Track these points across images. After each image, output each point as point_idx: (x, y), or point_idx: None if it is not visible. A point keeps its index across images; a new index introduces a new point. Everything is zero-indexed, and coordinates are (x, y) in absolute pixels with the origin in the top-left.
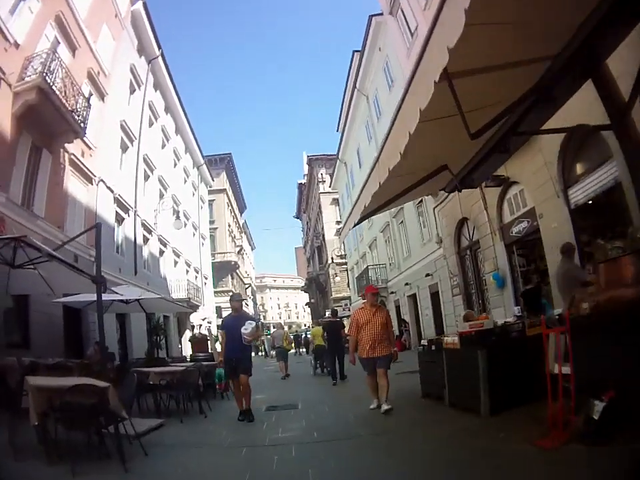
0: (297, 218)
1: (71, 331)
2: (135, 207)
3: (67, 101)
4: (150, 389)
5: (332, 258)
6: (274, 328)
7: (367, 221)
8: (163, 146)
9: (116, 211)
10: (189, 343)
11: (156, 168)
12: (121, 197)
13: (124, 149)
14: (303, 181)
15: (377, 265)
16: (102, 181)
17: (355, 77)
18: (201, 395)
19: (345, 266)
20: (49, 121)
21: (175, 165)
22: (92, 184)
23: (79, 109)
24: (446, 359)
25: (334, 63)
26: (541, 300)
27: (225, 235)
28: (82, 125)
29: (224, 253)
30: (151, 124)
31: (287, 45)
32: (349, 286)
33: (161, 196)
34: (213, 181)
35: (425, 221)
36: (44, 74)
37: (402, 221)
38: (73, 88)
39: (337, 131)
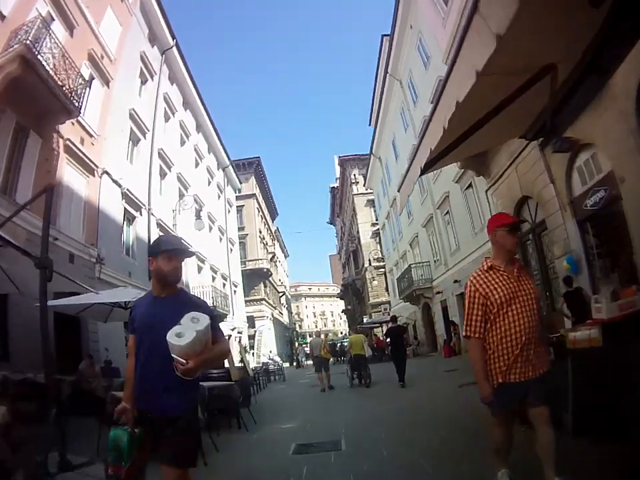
0: (331, 224)
1: (65, 341)
2: (149, 205)
3: (58, 76)
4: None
5: (369, 260)
6: (310, 337)
7: (406, 215)
8: (183, 143)
9: (125, 208)
10: None
11: (174, 165)
12: (130, 192)
13: (135, 141)
14: (336, 185)
15: (419, 263)
16: (106, 172)
17: (385, 63)
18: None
19: (383, 269)
20: (35, 98)
21: (197, 164)
22: (94, 175)
23: (73, 87)
24: (573, 365)
25: (361, 58)
26: (584, 303)
27: (255, 241)
28: (77, 104)
29: (255, 260)
30: (167, 118)
31: (311, 42)
32: (387, 290)
33: (181, 196)
34: (241, 184)
35: (476, 206)
36: (29, 42)
37: (447, 212)
38: (65, 62)
39: (370, 125)
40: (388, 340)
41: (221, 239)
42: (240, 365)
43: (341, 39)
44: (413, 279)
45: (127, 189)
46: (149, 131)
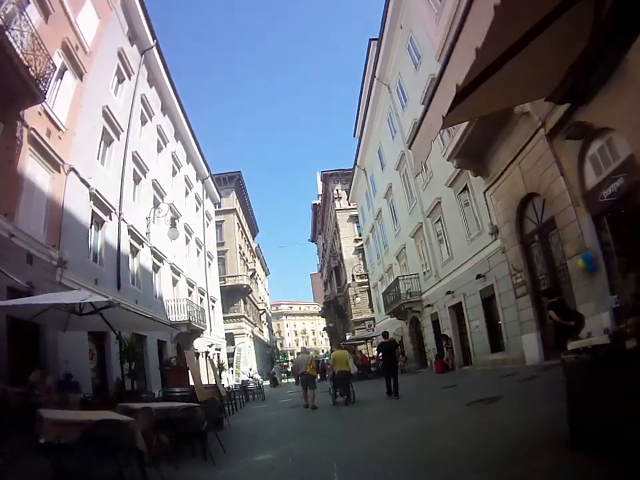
0: (312, 241)
1: (23, 350)
2: (120, 210)
3: (25, 56)
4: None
5: (352, 276)
6: (291, 355)
7: (393, 227)
8: (160, 149)
9: (92, 210)
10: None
11: (149, 170)
12: (99, 194)
13: (107, 141)
14: (317, 202)
15: (407, 276)
16: (73, 170)
17: (373, 67)
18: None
19: (366, 285)
20: None
21: (175, 173)
22: (59, 171)
23: (40, 71)
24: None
25: (346, 72)
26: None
27: (235, 257)
28: (43, 89)
29: (235, 276)
30: (144, 121)
31: (291, 49)
32: (370, 306)
33: (156, 204)
34: (221, 198)
35: (472, 211)
36: None
37: (439, 219)
38: (34, 43)
39: (354, 136)
40: (380, 355)
41: (198, 252)
42: (211, 384)
43: (327, 47)
44: (400, 292)
45: (96, 190)
46: (123, 131)
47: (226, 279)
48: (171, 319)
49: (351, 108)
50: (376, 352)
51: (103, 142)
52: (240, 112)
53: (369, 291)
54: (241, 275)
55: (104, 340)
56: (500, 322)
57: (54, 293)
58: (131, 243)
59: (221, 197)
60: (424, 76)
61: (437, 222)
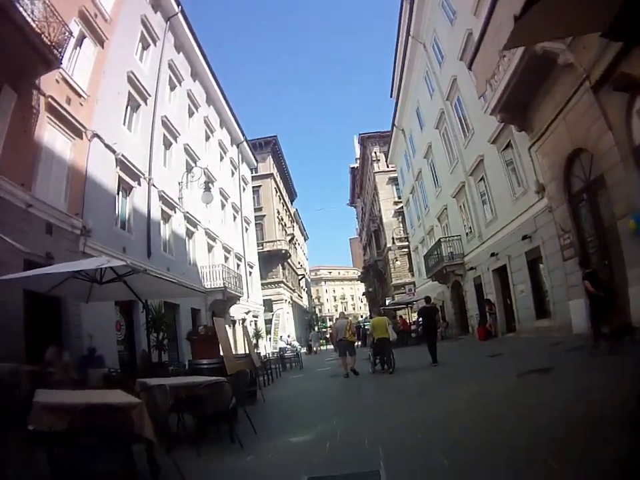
0: (351, 205)
1: (42, 327)
2: (150, 175)
3: (37, 24)
4: None
5: (392, 239)
6: (330, 321)
7: (433, 187)
8: (191, 114)
9: (119, 176)
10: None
11: (180, 135)
12: (126, 159)
13: (134, 107)
14: (356, 165)
15: (449, 237)
16: (97, 136)
17: (407, 27)
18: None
19: (406, 249)
20: (7, 45)
21: (208, 137)
22: (81, 138)
23: (53, 37)
24: None
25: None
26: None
27: (273, 222)
28: (58, 54)
29: (273, 241)
30: (172, 86)
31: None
32: (410, 270)
33: (189, 169)
34: (257, 162)
35: (517, 168)
36: None
37: (482, 178)
38: (46, 10)
39: (391, 97)
40: (420, 319)
41: (235, 218)
42: (243, 353)
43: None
44: (442, 254)
45: (123, 155)
46: (150, 96)
47: (264, 244)
48: (205, 286)
49: (388, 68)
50: (416, 316)
51: (129, 108)
52: (274, 77)
53: (408, 254)
54: (279, 240)
55: (132, 310)
56: (546, 286)
57: (71, 262)
58: (162, 209)
59: (257, 161)
60: (460, 31)
61: (479, 181)
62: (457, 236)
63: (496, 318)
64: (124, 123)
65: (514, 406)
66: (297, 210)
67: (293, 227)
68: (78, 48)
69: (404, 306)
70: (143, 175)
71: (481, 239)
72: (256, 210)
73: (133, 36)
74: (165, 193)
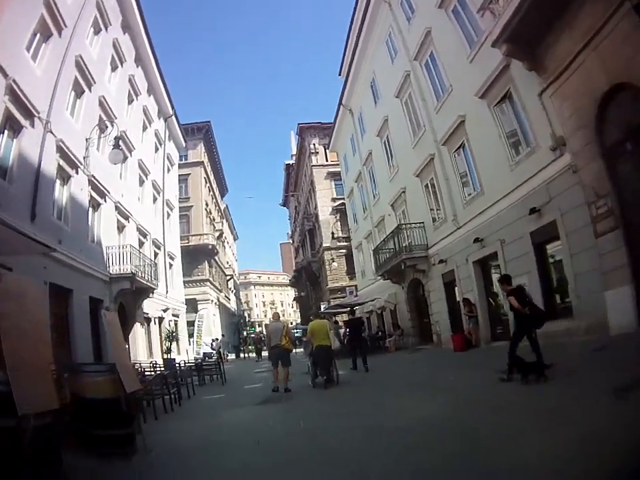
0: (284, 206)
1: None
2: (48, 118)
3: None
4: None
5: (332, 234)
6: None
7: (387, 169)
8: (114, 67)
9: (6, 107)
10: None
11: (95, 84)
12: (19, 87)
13: (44, 35)
14: (291, 162)
15: (409, 224)
16: None
17: None
18: None
19: (343, 251)
20: None
21: (131, 100)
22: None
23: None
24: None
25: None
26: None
27: (201, 214)
28: None
29: (200, 235)
30: (97, 30)
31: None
32: (348, 274)
33: (103, 128)
34: (187, 149)
35: (519, 123)
36: None
37: (462, 144)
38: None
39: (340, 74)
40: (347, 331)
41: (155, 199)
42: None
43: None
44: (400, 245)
45: (15, 82)
46: (66, 27)
47: (189, 237)
48: (111, 272)
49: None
50: (344, 328)
51: (38, 35)
52: (210, 59)
53: (346, 256)
54: (206, 234)
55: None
56: (563, 276)
57: None
58: (59, 164)
59: (186, 141)
60: None
61: (457, 149)
62: (420, 223)
63: (477, 322)
64: (27, 49)
65: None
66: (227, 206)
67: (222, 223)
68: None
69: (348, 308)
70: (38, 114)
71: (457, 224)
72: (183, 200)
73: None
74: (65, 144)
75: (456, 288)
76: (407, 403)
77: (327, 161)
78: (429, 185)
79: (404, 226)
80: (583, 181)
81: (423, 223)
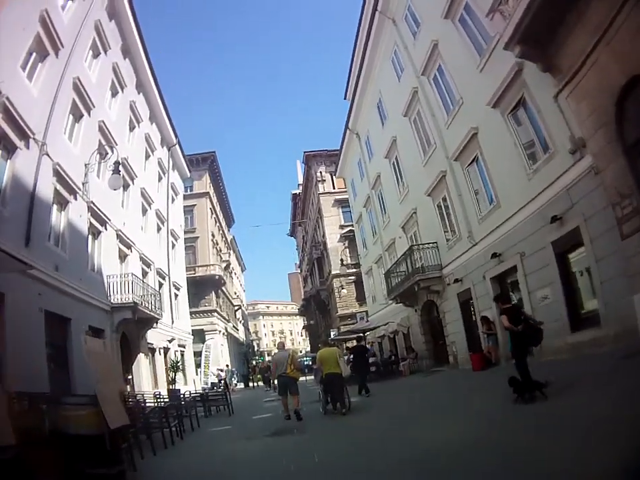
0: (291, 235)
1: None
2: (44, 140)
3: None
4: None
5: (341, 260)
6: (269, 356)
7: (397, 190)
8: (114, 92)
9: None
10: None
11: (95, 108)
12: (12, 106)
13: (41, 54)
14: (298, 191)
15: (421, 245)
16: None
17: (374, 2)
18: None
19: (352, 277)
20: None
21: (133, 127)
22: None
23: None
24: None
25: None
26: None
27: (207, 245)
28: None
29: (207, 265)
30: (96, 53)
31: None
32: (358, 300)
33: (103, 153)
34: (190, 173)
35: (534, 129)
36: None
37: (475, 158)
38: None
39: (345, 98)
40: (351, 356)
41: (159, 228)
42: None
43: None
44: (414, 266)
45: (8, 99)
46: (63, 48)
47: (196, 268)
48: (113, 301)
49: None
50: (349, 354)
51: (34, 53)
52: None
53: (355, 283)
54: (213, 265)
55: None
56: (588, 285)
57: None
58: (56, 188)
59: (190, 171)
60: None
61: (470, 164)
62: (433, 243)
63: (497, 340)
64: (22, 68)
65: None
66: (234, 237)
67: (229, 254)
68: None
69: (361, 333)
70: (34, 135)
71: (472, 240)
72: (189, 231)
73: None
74: (62, 168)
75: (472, 307)
76: (420, 430)
77: (333, 188)
78: (442, 203)
79: (416, 247)
80: (605, 182)
81: (436, 242)
